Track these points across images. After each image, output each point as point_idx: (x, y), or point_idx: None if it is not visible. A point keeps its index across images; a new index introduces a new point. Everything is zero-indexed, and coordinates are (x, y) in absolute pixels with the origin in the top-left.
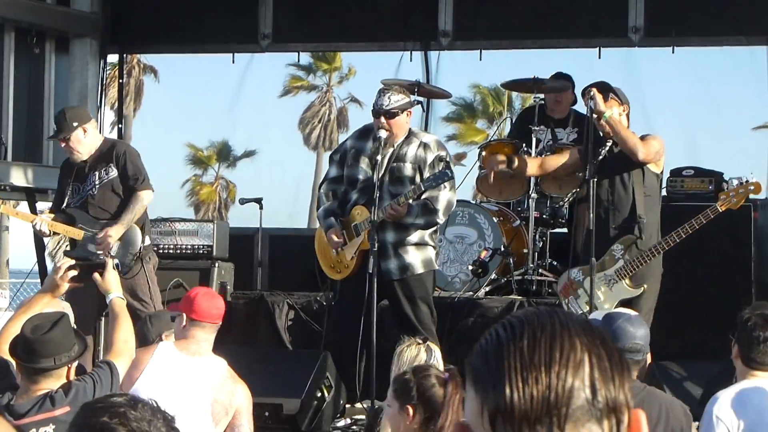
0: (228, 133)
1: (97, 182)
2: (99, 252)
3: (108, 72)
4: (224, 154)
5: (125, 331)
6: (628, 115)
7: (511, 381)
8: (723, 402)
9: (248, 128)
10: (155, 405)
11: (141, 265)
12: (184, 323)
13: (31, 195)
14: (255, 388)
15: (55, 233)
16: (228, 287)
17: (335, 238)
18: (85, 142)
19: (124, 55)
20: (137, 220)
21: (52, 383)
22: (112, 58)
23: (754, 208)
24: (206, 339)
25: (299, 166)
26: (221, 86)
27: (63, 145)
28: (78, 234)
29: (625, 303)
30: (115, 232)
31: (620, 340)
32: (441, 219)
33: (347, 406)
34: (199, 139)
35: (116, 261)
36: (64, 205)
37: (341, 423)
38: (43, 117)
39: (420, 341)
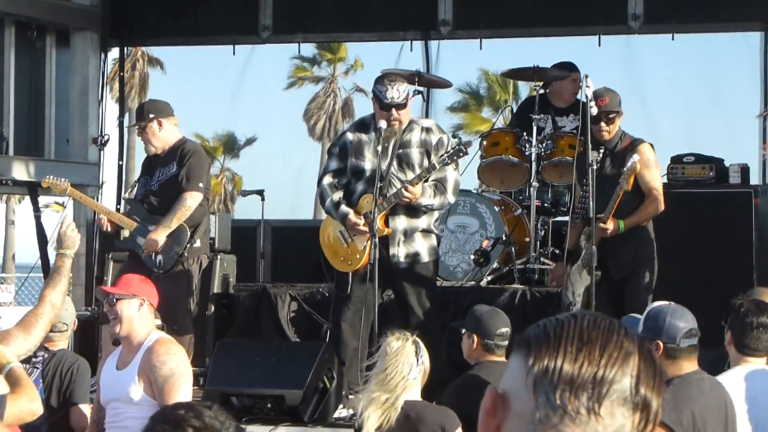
0: (233, 125)
1: (160, 177)
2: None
3: (112, 65)
4: (230, 146)
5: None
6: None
7: (566, 348)
8: None
9: (253, 120)
10: (227, 413)
11: (181, 266)
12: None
13: (32, 189)
14: (257, 380)
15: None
16: (231, 279)
17: (356, 220)
18: (160, 135)
19: (126, 49)
20: (190, 221)
21: None
22: (116, 52)
23: (755, 194)
24: None
25: (303, 157)
26: (225, 78)
27: (139, 135)
28: (131, 225)
29: (620, 288)
30: (157, 236)
31: (672, 331)
32: (452, 199)
33: (350, 396)
34: (205, 131)
35: (160, 258)
36: (128, 195)
37: (344, 413)
38: (44, 111)
39: (408, 335)
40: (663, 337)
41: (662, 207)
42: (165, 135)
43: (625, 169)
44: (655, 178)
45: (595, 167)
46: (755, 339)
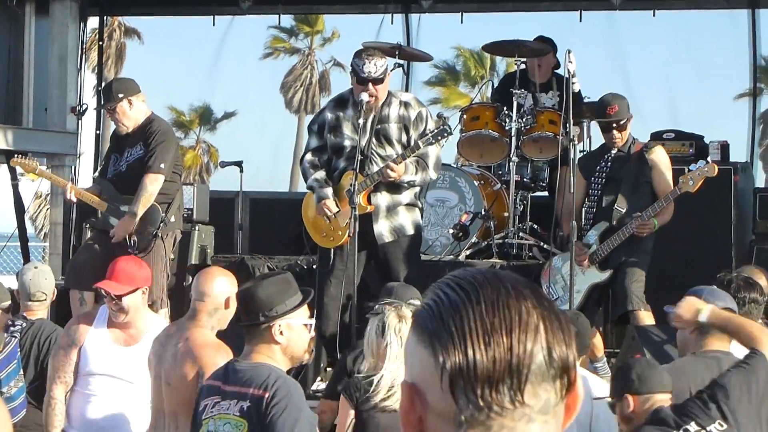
0: (209, 96)
1: (129, 159)
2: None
3: (89, 35)
4: (206, 117)
5: None
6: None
7: (473, 343)
8: None
9: (230, 92)
10: None
11: (157, 243)
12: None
13: (10, 157)
14: (235, 352)
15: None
16: (208, 251)
17: (328, 210)
18: (131, 114)
19: (105, 18)
20: (164, 197)
21: (265, 349)
22: (94, 21)
23: (735, 171)
24: None
25: (280, 130)
26: (203, 49)
27: (109, 116)
28: (102, 205)
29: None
30: (123, 227)
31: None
32: (434, 175)
33: (328, 369)
34: (181, 102)
35: (134, 238)
36: (107, 176)
37: (322, 386)
38: (22, 80)
39: (407, 311)
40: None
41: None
42: (135, 113)
43: (695, 169)
44: (671, 180)
45: (576, 143)
46: (746, 314)
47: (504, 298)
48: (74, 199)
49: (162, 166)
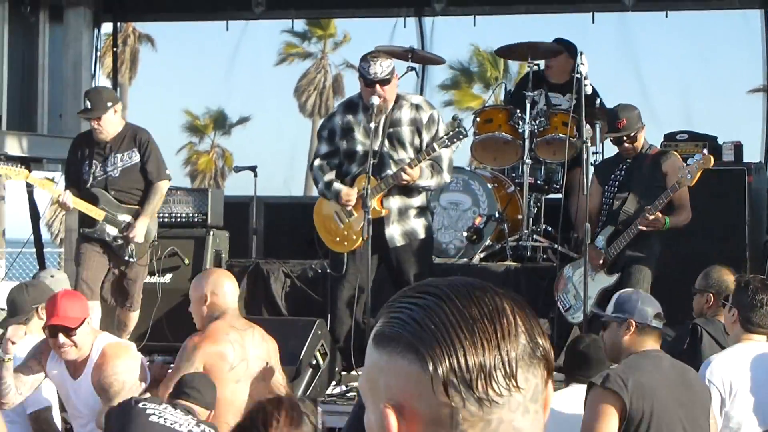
0: (224, 101)
1: (119, 165)
2: (118, 236)
3: (103, 41)
4: (220, 122)
5: None
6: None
7: (460, 339)
8: (716, 366)
9: (244, 96)
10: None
11: (150, 252)
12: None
13: (25, 164)
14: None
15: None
16: (223, 255)
17: (348, 198)
18: (115, 122)
19: (118, 24)
20: None
21: None
22: (107, 27)
23: (749, 171)
24: None
25: (295, 134)
26: (216, 54)
27: (95, 124)
28: (99, 215)
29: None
30: (140, 229)
31: (644, 312)
32: (448, 178)
33: (343, 373)
34: (196, 107)
35: (132, 247)
36: (88, 184)
37: (336, 390)
38: (37, 86)
39: None
40: (636, 316)
41: (690, 217)
42: (117, 121)
43: (692, 163)
44: (687, 188)
45: (590, 145)
46: (763, 316)
47: (476, 292)
48: (70, 206)
49: (168, 172)
